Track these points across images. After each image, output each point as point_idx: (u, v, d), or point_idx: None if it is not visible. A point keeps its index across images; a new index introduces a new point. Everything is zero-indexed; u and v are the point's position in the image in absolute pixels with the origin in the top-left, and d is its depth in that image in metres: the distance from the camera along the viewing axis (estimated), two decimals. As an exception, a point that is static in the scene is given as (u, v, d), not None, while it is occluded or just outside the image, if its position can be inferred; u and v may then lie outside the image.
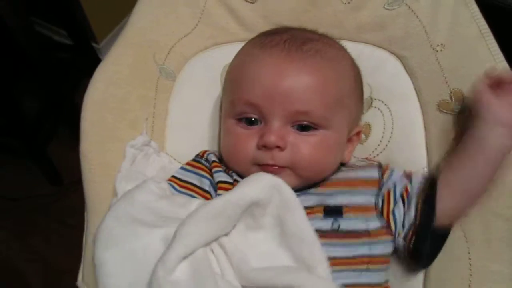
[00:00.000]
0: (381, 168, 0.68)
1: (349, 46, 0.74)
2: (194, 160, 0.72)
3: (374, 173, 0.67)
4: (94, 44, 1.83)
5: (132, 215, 0.58)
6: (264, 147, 0.62)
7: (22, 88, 1.61)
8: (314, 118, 0.62)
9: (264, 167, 0.63)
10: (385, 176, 0.67)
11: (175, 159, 0.75)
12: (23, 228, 1.55)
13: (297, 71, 0.63)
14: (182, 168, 0.71)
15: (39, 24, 1.88)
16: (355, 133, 0.70)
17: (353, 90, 0.68)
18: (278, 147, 0.61)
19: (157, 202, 0.60)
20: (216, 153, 0.73)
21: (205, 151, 0.73)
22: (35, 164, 1.61)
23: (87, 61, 1.75)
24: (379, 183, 0.66)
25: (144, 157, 0.69)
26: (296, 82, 0.62)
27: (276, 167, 0.62)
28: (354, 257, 0.60)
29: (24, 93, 1.61)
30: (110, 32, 1.85)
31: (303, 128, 0.63)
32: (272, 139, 0.61)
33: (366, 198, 0.64)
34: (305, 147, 0.62)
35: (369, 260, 0.60)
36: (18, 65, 1.54)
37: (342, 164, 0.70)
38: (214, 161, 0.69)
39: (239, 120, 0.65)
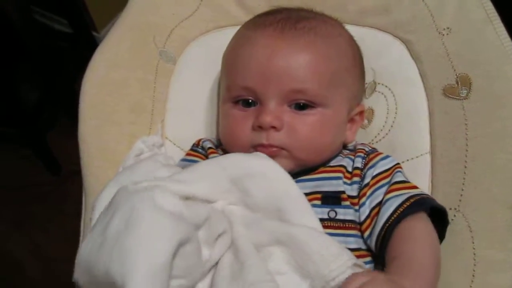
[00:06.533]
0: (368, 156, 0.64)
1: (352, 30, 0.72)
2: (191, 149, 0.71)
3: (358, 163, 0.63)
4: (94, 33, 1.82)
5: (134, 181, 0.56)
6: (259, 127, 0.61)
7: (22, 77, 1.60)
8: (311, 96, 0.61)
9: (259, 148, 0.61)
10: (368, 166, 0.63)
11: (175, 144, 0.74)
12: (21, 217, 1.54)
13: (290, 49, 0.61)
14: (181, 160, 0.70)
15: (39, 13, 1.86)
16: (357, 112, 0.68)
17: (351, 67, 0.67)
18: (273, 127, 0.60)
19: (158, 170, 0.60)
20: (213, 140, 0.73)
21: (200, 139, 0.72)
22: (34, 153, 1.60)
23: (87, 50, 1.74)
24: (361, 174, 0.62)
25: (149, 159, 0.66)
26: (289, 60, 0.61)
27: (273, 148, 0.60)
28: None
29: (24, 82, 1.60)
30: (111, 20, 1.83)
31: (301, 107, 0.61)
32: (267, 119, 0.60)
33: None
34: (301, 127, 0.61)
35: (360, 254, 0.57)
36: (18, 54, 1.53)
37: (344, 147, 0.69)
38: (210, 148, 0.69)
39: (236, 103, 0.64)
